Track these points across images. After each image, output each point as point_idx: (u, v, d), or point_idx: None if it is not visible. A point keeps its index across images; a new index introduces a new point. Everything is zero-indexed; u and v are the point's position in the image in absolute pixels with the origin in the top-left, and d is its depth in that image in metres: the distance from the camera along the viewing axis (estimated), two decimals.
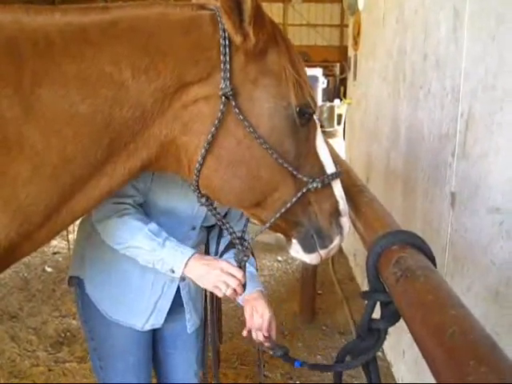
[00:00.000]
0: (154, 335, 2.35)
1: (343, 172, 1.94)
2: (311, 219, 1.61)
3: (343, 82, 20.03)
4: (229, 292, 1.87)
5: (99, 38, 1.36)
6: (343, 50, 25.91)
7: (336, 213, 1.64)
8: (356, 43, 5.34)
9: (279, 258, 6.51)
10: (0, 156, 1.26)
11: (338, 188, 1.65)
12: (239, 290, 1.87)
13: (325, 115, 6.58)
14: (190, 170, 1.51)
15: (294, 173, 1.49)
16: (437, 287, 0.98)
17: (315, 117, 1.60)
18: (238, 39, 1.40)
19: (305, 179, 1.51)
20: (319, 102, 6.90)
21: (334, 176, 1.59)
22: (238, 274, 1.85)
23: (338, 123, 6.38)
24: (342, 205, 1.66)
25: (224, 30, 1.41)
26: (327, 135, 6.91)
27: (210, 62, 1.41)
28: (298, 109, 1.48)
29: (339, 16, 28.67)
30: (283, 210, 1.54)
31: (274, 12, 28.84)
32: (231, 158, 1.47)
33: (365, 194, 1.92)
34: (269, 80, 1.46)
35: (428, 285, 1.00)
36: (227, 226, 1.79)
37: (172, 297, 2.20)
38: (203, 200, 1.64)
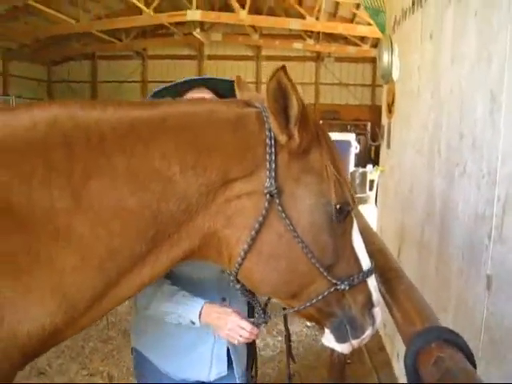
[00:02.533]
0: None
1: (378, 252, 1.96)
2: (344, 310, 1.63)
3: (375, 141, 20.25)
4: (242, 340, 2.05)
5: (149, 134, 1.43)
6: (374, 108, 26.11)
7: (369, 304, 1.67)
8: (390, 112, 5.41)
9: (308, 324, 6.42)
10: (49, 245, 1.31)
11: (371, 279, 1.67)
12: (252, 336, 2.05)
13: (357, 181, 6.62)
14: (231, 262, 1.55)
15: (325, 274, 1.52)
16: None
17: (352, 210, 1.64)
18: (283, 139, 1.46)
19: (333, 281, 1.54)
20: (351, 167, 6.98)
21: (366, 275, 1.62)
22: (248, 327, 2.00)
23: (370, 189, 6.40)
24: (375, 296, 1.69)
25: (270, 130, 1.47)
26: (359, 201, 6.93)
27: (255, 159, 1.47)
28: (337, 206, 1.52)
29: (371, 75, 29.01)
30: (314, 301, 1.57)
31: (306, 70, 29.45)
32: (271, 252, 1.51)
33: (402, 279, 1.93)
34: (311, 178, 1.51)
35: None
36: (256, 301, 1.87)
37: (226, 342, 2.30)
38: (238, 286, 1.69)
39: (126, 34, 27.34)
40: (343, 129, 26.67)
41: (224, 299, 2.26)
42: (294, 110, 1.43)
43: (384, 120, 5.92)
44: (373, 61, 26.69)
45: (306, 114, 1.48)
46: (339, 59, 29.09)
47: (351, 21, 22.97)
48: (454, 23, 3.38)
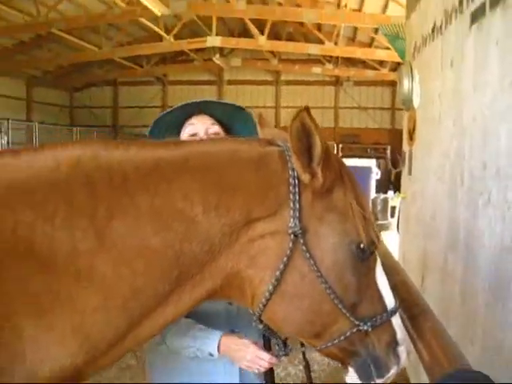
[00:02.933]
0: None
1: (402, 284, 1.93)
2: (368, 349, 1.60)
3: (396, 167, 19.97)
4: (262, 370, 2.06)
5: (172, 174, 1.43)
6: (394, 132, 26.14)
7: (393, 342, 1.63)
8: (411, 138, 5.38)
9: None
10: (71, 285, 1.30)
11: (395, 317, 1.64)
12: (271, 365, 2.07)
13: (379, 207, 6.57)
14: (254, 301, 1.53)
15: (347, 315, 1.50)
16: None
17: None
18: (306, 178, 1.45)
19: (356, 322, 1.51)
20: (372, 193, 6.92)
21: (390, 314, 1.59)
22: (267, 357, 2.00)
23: (392, 216, 6.34)
24: (400, 334, 1.65)
25: (293, 169, 1.46)
26: (381, 228, 6.86)
27: (278, 198, 1.46)
28: (362, 245, 1.49)
29: (390, 99, 29.06)
30: (336, 341, 1.54)
31: (325, 94, 29.63)
32: (295, 292, 1.49)
33: (428, 316, 1.89)
34: (334, 216, 1.50)
35: None
36: (276, 335, 1.84)
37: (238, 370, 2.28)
38: (261, 326, 1.67)
39: (147, 61, 27.79)
40: (363, 152, 26.66)
41: (233, 331, 2.24)
42: (318, 150, 1.42)
43: (405, 146, 5.87)
44: (392, 84, 26.78)
45: (329, 153, 1.48)
46: (358, 83, 29.21)
47: (369, 45, 23.09)
48: (475, 51, 3.37)
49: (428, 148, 4.83)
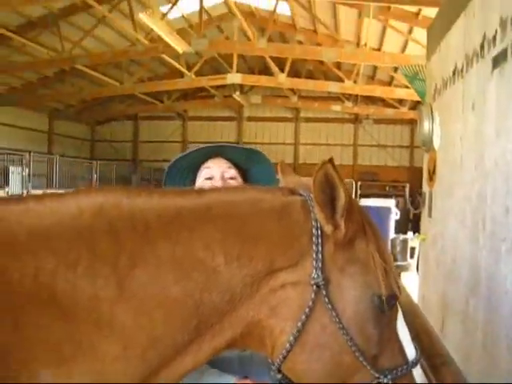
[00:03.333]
0: None
1: (423, 333, 1.89)
2: None
3: (416, 207, 19.85)
4: None
5: (194, 223, 1.42)
6: (413, 170, 26.14)
7: None
8: (431, 180, 5.36)
9: None
10: (92, 333, 1.28)
11: (416, 368, 1.60)
12: None
13: (398, 248, 6.50)
14: (274, 352, 1.50)
15: (368, 367, 1.47)
16: None
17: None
18: (328, 229, 1.44)
19: (376, 375, 1.48)
20: (391, 234, 6.83)
21: (411, 366, 1.55)
22: None
23: (411, 257, 6.26)
24: None
25: (316, 219, 1.45)
26: (400, 269, 6.78)
27: (300, 249, 1.44)
28: (383, 297, 1.47)
29: (409, 137, 29.11)
30: None
31: (344, 132, 29.78)
32: (316, 343, 1.46)
33: (450, 367, 1.85)
34: (356, 268, 1.48)
35: None
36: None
37: None
38: (279, 375, 1.64)
39: (168, 96, 28.26)
40: (381, 190, 26.65)
41: (246, 377, 2.18)
42: (341, 202, 1.41)
43: (425, 187, 5.84)
44: (410, 122, 26.94)
45: (353, 204, 1.47)
46: (377, 121, 29.36)
47: (389, 84, 23.29)
48: (497, 95, 3.37)
49: (449, 190, 4.79)
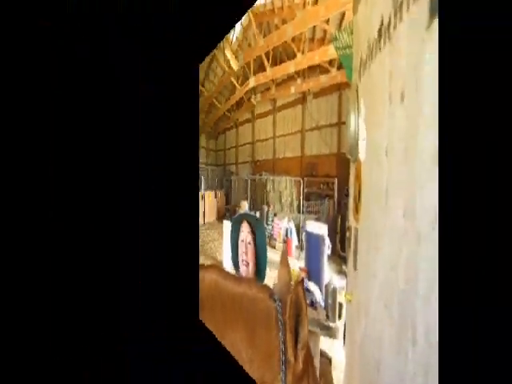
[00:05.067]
0: None
1: None
2: None
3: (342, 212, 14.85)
4: None
5: None
6: (342, 158, 17.71)
7: None
8: (357, 211, 3.18)
9: None
10: None
11: None
12: None
13: (329, 301, 4.61)
14: None
15: None
16: None
17: None
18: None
19: None
20: (326, 274, 4.97)
21: None
22: None
23: (339, 316, 4.45)
24: None
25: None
26: (326, 332, 4.78)
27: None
28: None
29: (336, 111, 25.06)
30: None
31: (297, 117, 25.13)
32: None
33: None
34: None
35: None
36: None
37: None
38: None
39: None
40: (319, 189, 19.68)
41: None
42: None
43: (351, 220, 3.57)
44: (338, 88, 19.58)
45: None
46: (316, 94, 22.87)
47: (323, 40, 19.17)
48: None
49: (375, 238, 2.58)
